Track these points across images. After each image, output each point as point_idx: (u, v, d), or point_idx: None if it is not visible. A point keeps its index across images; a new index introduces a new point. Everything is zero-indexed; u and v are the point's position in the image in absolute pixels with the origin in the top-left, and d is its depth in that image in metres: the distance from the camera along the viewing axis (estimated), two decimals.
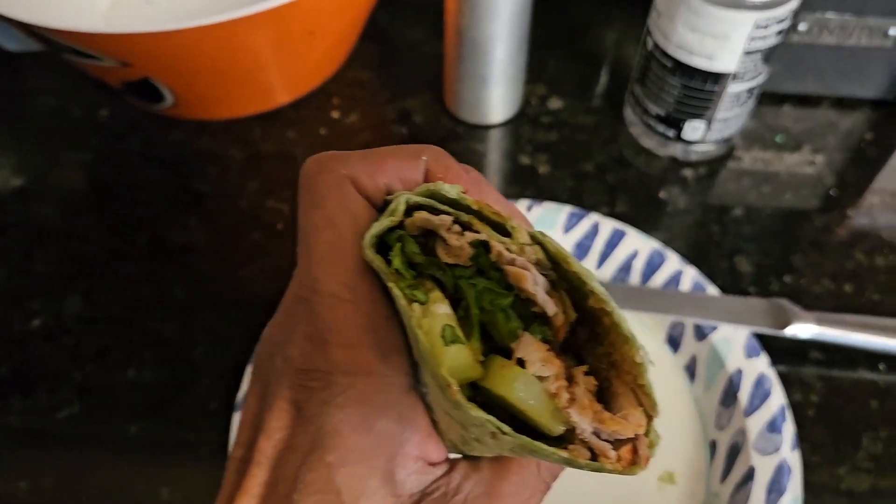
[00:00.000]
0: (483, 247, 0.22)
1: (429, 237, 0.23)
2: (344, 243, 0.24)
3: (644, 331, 0.54)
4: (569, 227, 0.56)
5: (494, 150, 0.65)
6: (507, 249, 0.22)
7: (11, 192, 0.64)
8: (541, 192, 0.61)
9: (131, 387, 0.53)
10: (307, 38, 0.60)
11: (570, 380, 0.22)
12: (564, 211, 0.56)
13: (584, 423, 0.21)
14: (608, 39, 0.74)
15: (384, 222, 0.23)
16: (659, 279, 0.54)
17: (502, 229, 0.22)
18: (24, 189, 0.65)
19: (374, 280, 0.24)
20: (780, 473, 0.46)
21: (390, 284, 0.22)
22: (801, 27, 0.61)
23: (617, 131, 0.66)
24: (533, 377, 0.21)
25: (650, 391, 0.21)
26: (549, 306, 0.22)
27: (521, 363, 0.21)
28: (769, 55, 0.55)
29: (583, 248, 0.55)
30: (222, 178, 0.64)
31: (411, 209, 0.23)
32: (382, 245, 0.23)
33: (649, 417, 0.21)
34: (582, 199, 0.61)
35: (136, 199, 0.63)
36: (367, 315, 0.23)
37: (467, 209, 0.23)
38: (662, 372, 0.53)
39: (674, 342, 0.53)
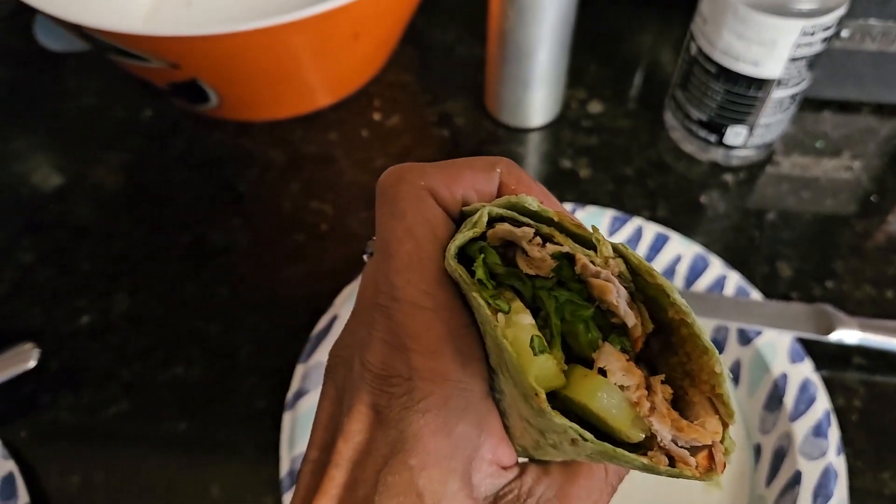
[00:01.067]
0: (567, 259, 0.22)
1: (508, 248, 0.24)
2: (424, 253, 0.24)
3: None
4: (612, 232, 0.56)
5: (535, 153, 0.65)
6: (592, 262, 0.22)
7: (54, 192, 0.65)
8: (582, 195, 0.62)
9: (178, 385, 0.54)
10: (351, 41, 0.61)
11: (650, 390, 0.22)
12: (607, 215, 0.56)
13: (663, 431, 0.21)
14: (646, 44, 0.74)
15: (467, 234, 0.23)
16: (702, 284, 0.54)
17: (583, 241, 0.23)
18: (66, 188, 0.65)
19: (452, 290, 0.24)
20: (827, 478, 0.46)
21: (473, 294, 0.22)
22: (844, 34, 0.61)
23: (656, 135, 0.66)
24: (615, 386, 0.22)
25: (728, 401, 0.22)
26: (630, 318, 0.22)
27: (602, 373, 0.22)
28: (814, 62, 0.55)
29: None
30: (264, 179, 0.65)
31: (493, 220, 0.23)
32: (463, 256, 0.24)
33: (725, 425, 0.22)
34: (623, 202, 0.61)
35: (179, 199, 0.64)
36: (447, 323, 0.24)
37: (548, 221, 0.23)
38: None
39: (718, 346, 0.53)
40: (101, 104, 0.71)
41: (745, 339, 0.52)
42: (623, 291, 0.22)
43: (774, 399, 0.50)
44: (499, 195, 0.26)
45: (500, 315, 0.22)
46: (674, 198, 0.62)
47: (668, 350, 0.23)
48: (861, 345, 0.51)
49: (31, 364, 0.53)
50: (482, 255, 0.23)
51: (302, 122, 0.68)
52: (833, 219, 0.61)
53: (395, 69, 0.71)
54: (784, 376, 0.50)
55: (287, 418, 0.50)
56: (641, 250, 0.55)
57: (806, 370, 0.50)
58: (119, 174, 0.66)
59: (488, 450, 0.24)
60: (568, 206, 0.56)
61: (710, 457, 0.22)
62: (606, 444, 0.21)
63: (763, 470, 0.49)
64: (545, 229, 0.23)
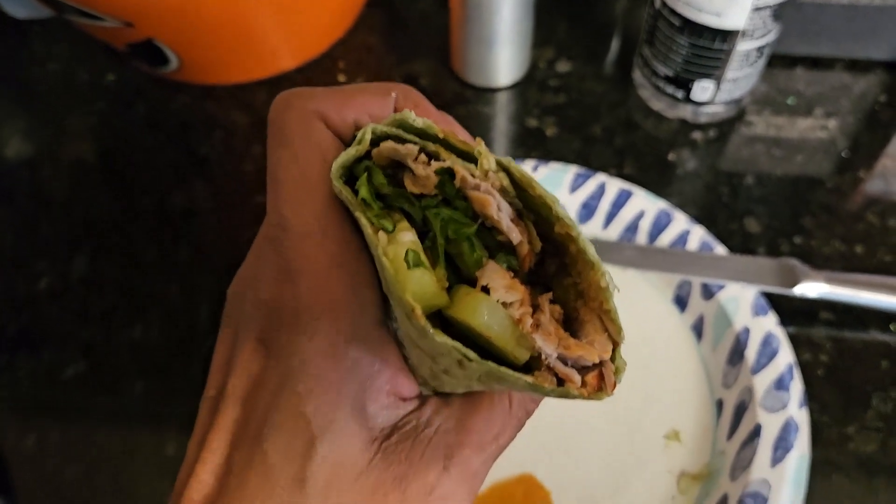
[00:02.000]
0: (448, 174, 0.22)
1: (397, 170, 0.23)
2: (311, 179, 0.23)
3: (651, 290, 0.53)
4: (575, 188, 0.55)
5: (502, 112, 0.64)
6: (472, 175, 0.21)
7: (16, 156, 0.65)
8: (548, 154, 0.61)
9: (137, 347, 0.54)
10: None
11: (536, 308, 0.22)
12: (571, 171, 0.55)
13: (548, 349, 0.21)
14: (619, 3, 0.73)
15: (351, 152, 0.22)
16: (666, 239, 0.53)
17: (469, 157, 0.22)
18: (31, 154, 0.65)
19: (344, 216, 0.23)
20: (787, 430, 0.45)
21: (357, 214, 0.22)
22: None
23: (626, 95, 0.65)
24: (496, 303, 0.21)
25: (615, 317, 0.21)
26: (514, 234, 0.22)
27: (486, 291, 0.21)
28: (779, 12, 0.54)
29: (589, 208, 0.55)
30: (227, 142, 0.64)
31: (378, 139, 0.23)
32: (351, 178, 0.23)
33: (615, 343, 0.21)
34: (589, 161, 0.60)
35: (142, 163, 0.63)
36: (337, 248, 0.23)
37: (434, 138, 0.23)
38: (669, 331, 0.52)
39: (681, 302, 0.53)
40: (65, 69, 0.70)
41: (708, 293, 0.51)
42: (506, 206, 0.22)
43: (736, 353, 0.49)
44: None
45: (381, 234, 0.21)
46: (641, 156, 0.61)
47: (562, 272, 0.23)
48: (827, 298, 0.50)
49: None
50: (367, 174, 0.22)
51: (266, 85, 0.67)
52: (804, 176, 0.60)
53: (361, 32, 0.70)
54: (746, 330, 0.49)
55: None
56: (604, 206, 0.54)
57: (769, 324, 0.49)
58: (82, 138, 0.65)
59: (385, 380, 0.23)
60: (530, 163, 0.56)
61: (601, 376, 0.21)
62: (490, 363, 0.20)
63: (725, 424, 0.48)
64: (431, 147, 0.22)
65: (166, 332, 0.54)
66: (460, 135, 0.25)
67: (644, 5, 0.70)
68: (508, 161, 0.22)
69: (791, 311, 0.52)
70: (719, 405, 0.49)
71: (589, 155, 0.61)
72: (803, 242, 0.56)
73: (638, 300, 0.53)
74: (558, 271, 0.23)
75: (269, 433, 0.23)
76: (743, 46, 0.55)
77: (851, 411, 0.50)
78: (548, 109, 0.64)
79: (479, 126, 0.63)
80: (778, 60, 0.66)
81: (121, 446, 0.50)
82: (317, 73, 0.67)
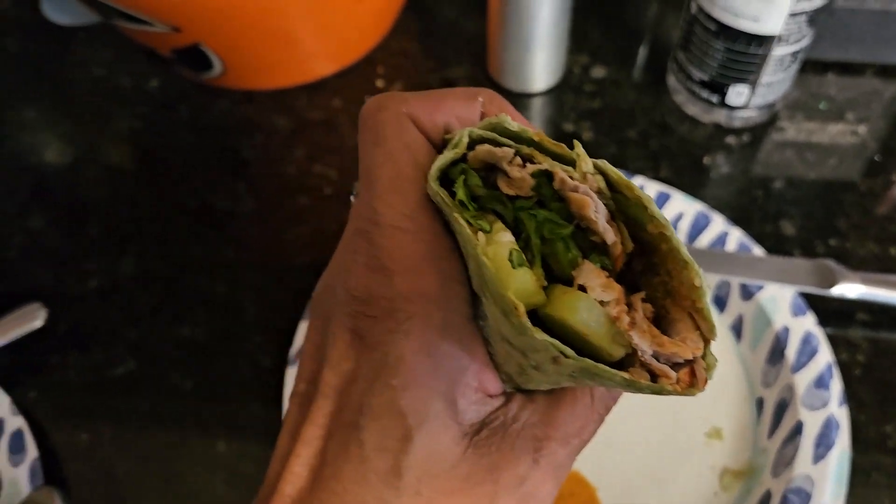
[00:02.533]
0: (545, 176, 0.22)
1: (490, 173, 0.24)
2: (404, 177, 0.24)
3: None
4: None
5: (538, 117, 0.65)
6: (570, 177, 0.22)
7: (63, 160, 0.66)
8: None
9: (184, 344, 0.55)
10: (353, 5, 0.61)
11: (630, 306, 0.22)
12: None
13: (643, 346, 0.21)
14: (651, 9, 0.74)
15: (448, 155, 0.23)
16: (705, 240, 0.54)
17: (563, 160, 0.23)
18: (76, 157, 0.66)
19: (434, 214, 0.24)
20: (829, 428, 0.46)
21: (455, 215, 0.22)
22: None
23: (660, 99, 0.66)
24: (594, 301, 0.22)
25: (708, 315, 0.22)
26: (609, 234, 0.22)
27: (582, 290, 0.22)
28: (814, 17, 0.55)
29: None
30: (268, 145, 0.65)
31: (474, 142, 0.23)
32: (445, 180, 0.24)
33: (706, 340, 0.22)
34: (626, 164, 0.61)
35: (185, 166, 0.65)
36: (428, 245, 0.24)
37: (529, 142, 0.23)
38: None
39: (720, 302, 0.54)
40: (109, 75, 0.72)
41: (747, 294, 0.52)
42: (602, 207, 0.22)
43: (776, 352, 0.50)
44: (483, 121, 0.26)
45: (480, 234, 0.22)
46: (677, 159, 0.62)
47: (650, 271, 0.24)
48: (864, 299, 0.51)
49: (39, 323, 0.54)
50: (463, 177, 0.23)
51: (306, 90, 0.68)
52: (837, 179, 0.61)
53: (399, 37, 0.72)
54: (786, 329, 0.50)
55: (290, 374, 0.50)
56: None
57: (808, 323, 0.50)
58: (127, 142, 0.67)
59: (473, 376, 0.24)
60: None
61: (692, 373, 0.22)
62: (587, 359, 0.21)
63: (765, 423, 0.49)
64: (525, 150, 0.23)
65: (213, 330, 0.55)
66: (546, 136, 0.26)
67: (674, 12, 0.72)
68: (604, 164, 0.23)
69: (827, 312, 0.53)
70: (759, 403, 0.50)
71: (625, 159, 0.62)
72: (838, 244, 0.57)
73: None
74: (645, 270, 0.24)
75: (364, 425, 0.23)
76: (778, 51, 0.56)
77: (889, 410, 0.50)
78: (583, 114, 0.65)
79: None
80: (810, 66, 0.67)
81: (170, 442, 0.51)
82: (356, 78, 0.69)
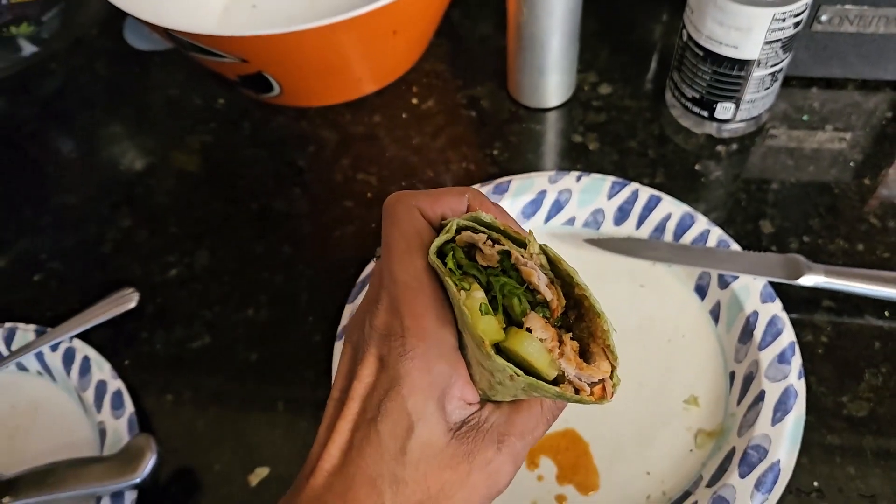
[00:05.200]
0: (506, 255, 0.33)
1: (471, 249, 0.34)
2: (413, 250, 0.34)
3: (676, 281, 0.63)
4: (612, 194, 0.65)
5: (551, 130, 0.75)
6: (522, 256, 0.33)
7: (145, 169, 0.78)
8: (590, 165, 0.71)
9: (250, 324, 0.65)
10: (391, 37, 0.71)
11: (562, 343, 0.33)
12: (609, 180, 0.66)
13: (569, 369, 0.32)
14: (654, 33, 0.83)
15: (442, 237, 0.34)
16: (689, 238, 0.63)
17: (520, 242, 0.34)
18: (155, 166, 0.78)
19: (433, 277, 0.35)
20: (787, 396, 0.54)
21: (447, 278, 0.33)
22: (823, 17, 0.68)
23: (659, 113, 0.75)
24: (536, 339, 0.32)
25: (614, 349, 0.33)
26: (548, 294, 0.33)
27: (529, 331, 0.32)
28: (788, 44, 0.63)
29: (624, 211, 0.65)
30: (319, 155, 0.76)
31: (460, 229, 0.34)
32: (440, 253, 0.34)
33: (613, 367, 0.33)
34: (626, 171, 0.70)
35: (248, 174, 0.76)
36: (429, 297, 0.34)
37: (497, 230, 0.34)
38: (691, 315, 0.62)
39: (701, 290, 0.62)
40: (182, 95, 0.83)
41: (724, 283, 0.61)
42: (543, 276, 0.33)
43: (746, 333, 0.58)
44: (467, 213, 0.36)
45: (462, 291, 0.33)
46: (672, 166, 0.71)
47: (580, 319, 0.34)
48: (825, 287, 0.59)
49: (132, 304, 0.65)
50: (452, 252, 0.34)
51: (350, 107, 0.79)
52: (814, 183, 0.69)
53: (431, 59, 0.82)
54: (755, 314, 0.58)
55: (338, 347, 0.61)
56: (637, 209, 0.65)
57: (775, 309, 0.58)
58: (198, 154, 0.78)
59: (458, 389, 0.34)
60: (574, 174, 0.66)
61: (603, 388, 0.33)
62: (531, 377, 0.31)
63: (735, 392, 0.57)
64: (495, 235, 0.34)
65: (273, 312, 0.66)
66: (512, 225, 0.37)
67: (674, 31, 0.80)
68: (545, 246, 0.34)
69: (798, 300, 0.60)
70: (731, 376, 0.58)
71: (626, 166, 0.71)
72: (811, 241, 0.65)
73: (665, 289, 0.63)
74: (576, 319, 0.34)
75: (381, 420, 0.33)
76: (758, 73, 0.65)
77: (846, 383, 0.57)
78: (590, 127, 0.74)
79: (531, 142, 0.74)
80: (795, 81, 0.75)
81: (238, 404, 0.61)
82: (393, 95, 0.79)
